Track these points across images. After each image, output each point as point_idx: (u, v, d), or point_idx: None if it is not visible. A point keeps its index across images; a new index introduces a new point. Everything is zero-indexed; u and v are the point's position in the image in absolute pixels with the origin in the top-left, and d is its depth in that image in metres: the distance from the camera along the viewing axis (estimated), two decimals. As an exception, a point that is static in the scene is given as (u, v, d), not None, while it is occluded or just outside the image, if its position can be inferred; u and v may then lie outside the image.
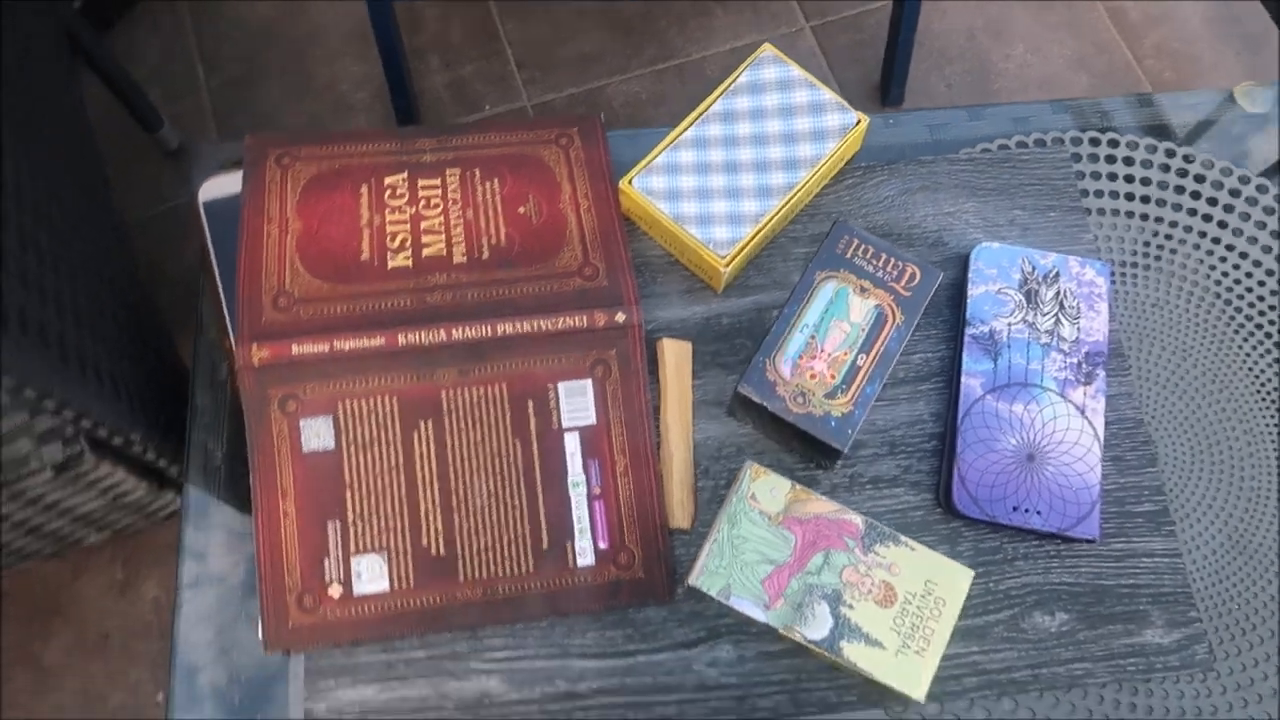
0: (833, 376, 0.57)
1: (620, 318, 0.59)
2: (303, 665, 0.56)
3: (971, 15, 1.38)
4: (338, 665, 0.56)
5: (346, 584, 0.56)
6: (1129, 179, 0.68)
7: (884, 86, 1.31)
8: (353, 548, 0.56)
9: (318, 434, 0.57)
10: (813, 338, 0.58)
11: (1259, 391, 0.63)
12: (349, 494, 0.57)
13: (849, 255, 0.60)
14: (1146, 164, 0.69)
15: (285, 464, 0.56)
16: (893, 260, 0.59)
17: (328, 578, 0.56)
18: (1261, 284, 0.66)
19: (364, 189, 0.63)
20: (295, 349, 0.57)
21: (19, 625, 1.12)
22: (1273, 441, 0.62)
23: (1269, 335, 0.64)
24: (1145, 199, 0.68)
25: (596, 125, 0.67)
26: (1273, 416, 0.63)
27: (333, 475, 0.57)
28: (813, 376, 0.57)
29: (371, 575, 0.56)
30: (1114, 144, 0.69)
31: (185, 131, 1.29)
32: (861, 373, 0.57)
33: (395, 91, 1.24)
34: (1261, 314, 0.65)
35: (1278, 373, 0.64)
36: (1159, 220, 0.67)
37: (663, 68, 1.34)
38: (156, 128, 1.21)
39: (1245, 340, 0.64)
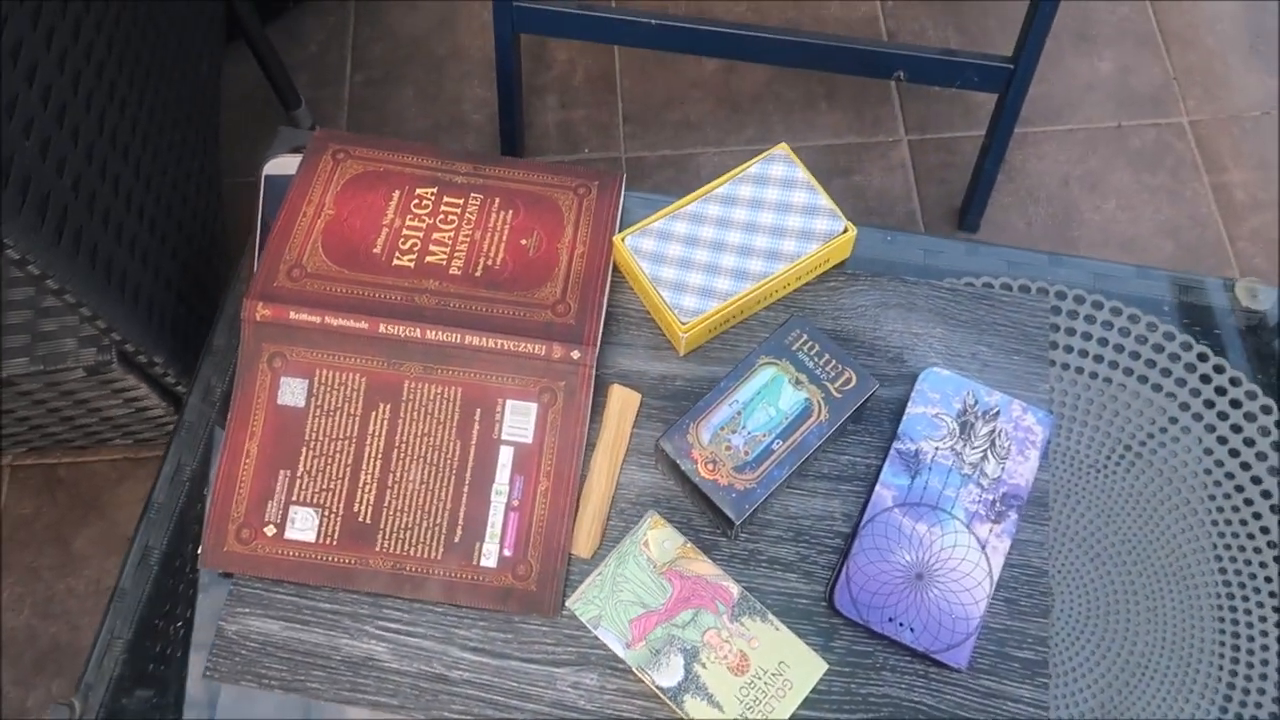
0: (746, 453, 0.61)
1: (575, 354, 0.64)
2: (227, 590, 0.63)
3: (1071, 163, 1.40)
4: (257, 596, 0.63)
5: (281, 527, 0.63)
6: (1102, 342, 0.70)
7: (963, 211, 1.34)
8: (294, 497, 0.63)
9: (293, 392, 0.64)
10: (739, 414, 0.62)
11: (1174, 574, 0.63)
12: (304, 450, 0.64)
13: (795, 348, 0.64)
14: (1124, 332, 0.70)
15: (260, 410, 0.64)
16: (834, 361, 0.63)
17: (266, 518, 0.63)
18: (1208, 472, 0.66)
19: (396, 194, 0.71)
20: (293, 315, 0.64)
21: (63, 510, 1.25)
22: (1168, 621, 0.62)
23: (1203, 526, 0.65)
24: (1113, 364, 0.69)
25: (616, 183, 0.73)
26: (1176, 597, 0.63)
27: (295, 430, 0.64)
28: (728, 449, 0.61)
29: (304, 525, 0.63)
30: (1097, 306, 0.71)
31: (318, 116, 1.43)
32: (774, 456, 0.61)
33: (505, 119, 1.34)
34: (1202, 504, 0.65)
35: (1197, 560, 0.64)
36: (1121, 387, 0.69)
37: (757, 148, 1.40)
38: (294, 107, 1.35)
39: (1175, 523, 0.65)
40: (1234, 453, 0.67)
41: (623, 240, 0.69)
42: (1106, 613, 0.63)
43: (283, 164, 0.74)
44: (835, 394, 0.62)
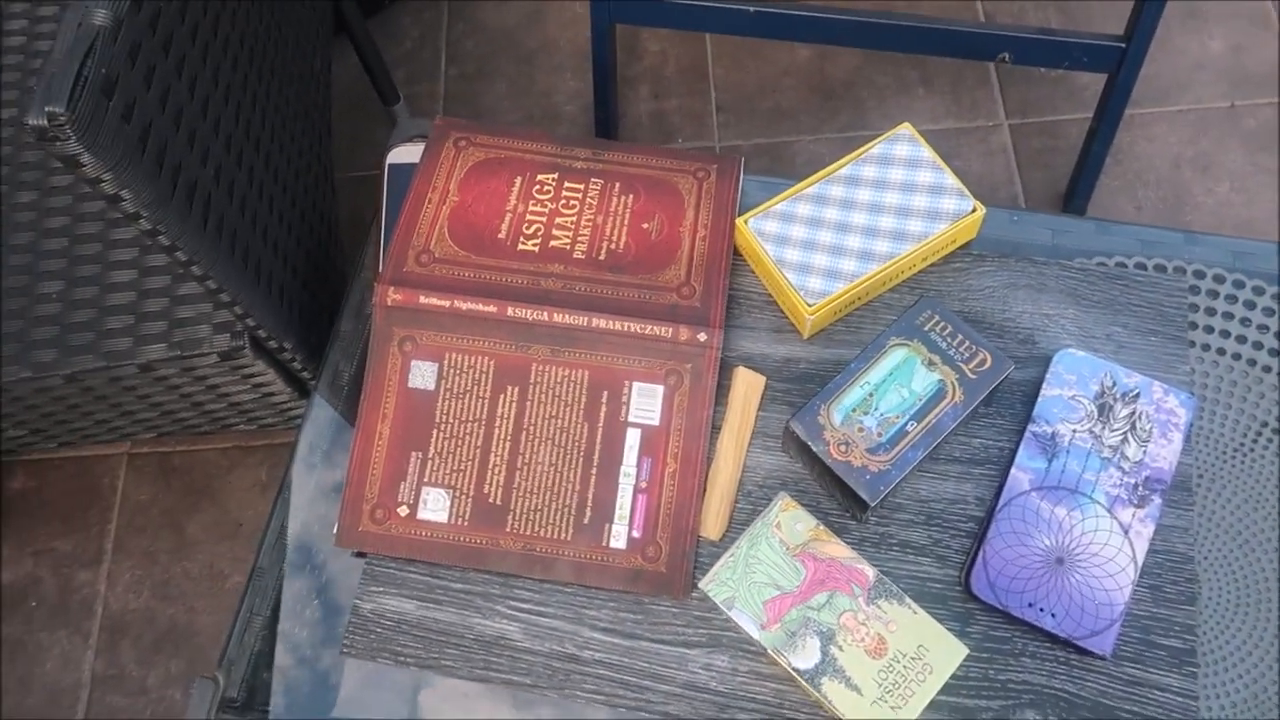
0: (880, 434, 0.60)
1: (701, 337, 0.64)
2: (362, 569, 0.65)
3: (1182, 144, 1.35)
4: (390, 575, 0.64)
5: (414, 508, 0.64)
6: (1245, 322, 0.67)
7: (1069, 195, 1.30)
8: (426, 478, 0.64)
9: (423, 375, 0.66)
10: (871, 395, 0.61)
11: (1330, 563, 0.61)
12: (435, 432, 0.65)
13: (926, 328, 0.63)
14: (1268, 311, 0.67)
15: (391, 394, 0.65)
16: (967, 342, 0.62)
17: (400, 498, 0.64)
18: (1364, 457, 0.63)
19: (518, 180, 0.71)
20: (422, 299, 0.66)
21: (177, 496, 1.30)
22: (1331, 616, 0.60)
23: (1358, 510, 0.62)
24: (1258, 345, 0.67)
25: (735, 166, 0.73)
26: (1336, 590, 0.60)
27: (426, 413, 0.65)
28: (861, 430, 0.60)
29: (436, 506, 0.64)
30: (1239, 285, 0.68)
31: (414, 110, 1.46)
32: (908, 438, 0.60)
33: (600, 109, 1.35)
34: (1355, 487, 0.63)
35: (1356, 549, 0.61)
36: (1265, 369, 0.66)
37: (852, 135, 1.38)
38: (393, 102, 1.38)
39: (1330, 509, 0.62)
40: (1392, 437, 0.64)
41: (745, 223, 0.68)
42: (1256, 601, 0.60)
43: (405, 152, 0.75)
44: (970, 375, 0.61)
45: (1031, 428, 0.63)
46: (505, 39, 1.52)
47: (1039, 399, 0.64)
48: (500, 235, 0.69)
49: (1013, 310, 0.68)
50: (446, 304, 0.66)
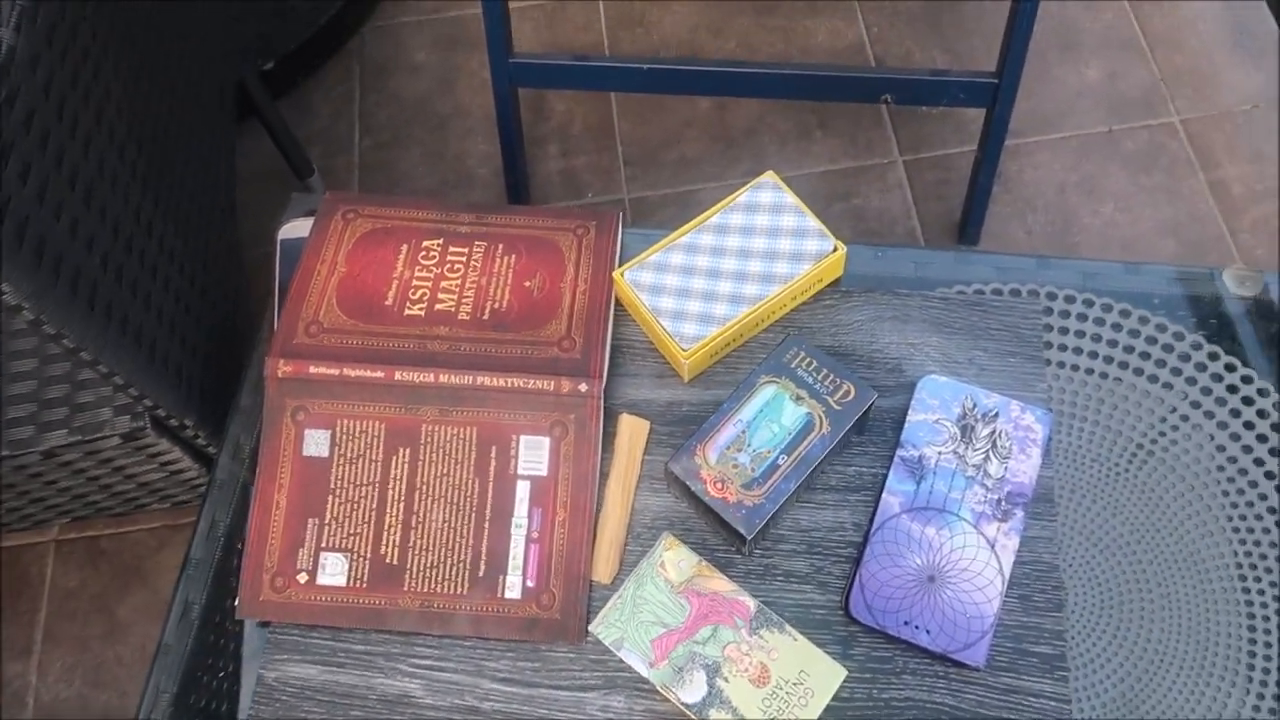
0: (753, 469, 0.63)
1: (583, 387, 0.67)
2: (266, 638, 0.66)
3: (1066, 170, 1.41)
4: (294, 642, 0.65)
5: (313, 574, 0.65)
6: (1096, 339, 0.71)
7: (962, 226, 1.36)
8: (324, 544, 0.66)
9: (317, 443, 0.67)
10: (743, 432, 0.64)
11: (1186, 560, 0.64)
12: (330, 498, 0.66)
13: (793, 365, 0.66)
14: (1117, 328, 0.72)
15: (287, 463, 0.67)
16: (832, 376, 0.65)
17: (299, 565, 0.65)
18: (1212, 458, 0.67)
19: (404, 248, 0.74)
20: (312, 369, 0.67)
21: (107, 580, 1.28)
22: (1184, 608, 0.63)
23: (1207, 507, 0.66)
24: (1108, 359, 0.71)
25: (614, 221, 0.76)
26: (1191, 583, 0.64)
27: (321, 480, 0.67)
28: (735, 467, 0.63)
29: (334, 570, 0.65)
30: (1088, 304, 0.72)
31: (331, 183, 1.48)
32: (780, 471, 0.62)
33: (509, 171, 1.38)
34: (1208, 490, 0.66)
35: (1209, 545, 0.65)
36: (1118, 381, 0.70)
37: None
38: (307, 176, 1.40)
39: (1183, 509, 0.66)
40: (1235, 436, 0.68)
41: (622, 275, 0.71)
42: (1121, 604, 0.63)
43: (296, 227, 0.78)
44: (835, 406, 0.64)
45: (900, 452, 0.66)
46: (417, 107, 1.55)
47: (905, 425, 0.67)
48: (387, 302, 0.71)
49: (880, 342, 0.72)
50: (336, 372, 0.67)
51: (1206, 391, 0.69)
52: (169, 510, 1.24)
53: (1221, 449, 0.68)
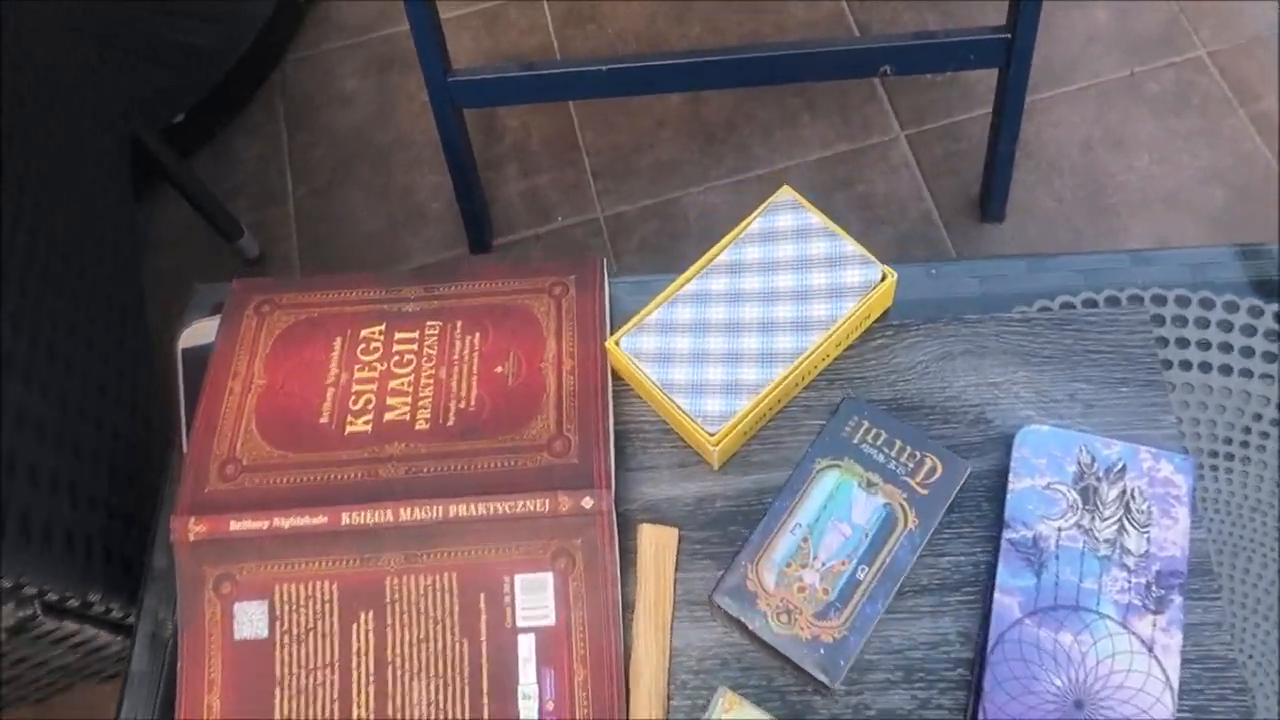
0: (826, 592, 0.48)
1: (588, 503, 0.52)
2: None
3: (1088, 124, 1.27)
4: None
5: (267, 793, 0.50)
6: (1225, 348, 0.57)
7: (983, 201, 1.21)
8: (276, 752, 0.51)
9: (251, 620, 0.52)
10: (805, 541, 0.49)
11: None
12: (278, 691, 0.51)
13: (856, 440, 0.51)
14: (1248, 330, 0.57)
15: (215, 652, 0.52)
16: (908, 448, 0.51)
17: (247, 785, 0.50)
18: (1401, 488, 0.53)
19: (337, 342, 0.59)
20: (234, 524, 0.52)
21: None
22: None
23: None
24: (1246, 373, 0.56)
25: (595, 272, 0.61)
26: None
27: (263, 669, 0.51)
28: (802, 590, 0.48)
29: (295, 784, 0.50)
30: (1207, 304, 0.58)
31: (266, 239, 1.32)
32: (861, 589, 0.48)
33: (464, 202, 1.23)
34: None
35: None
36: (1264, 400, 0.56)
37: (743, 178, 1.28)
38: (236, 238, 1.25)
39: (1377, 560, 0.52)
40: None
41: (617, 344, 0.57)
42: (1322, 697, 0.49)
43: (201, 331, 0.63)
44: (920, 490, 0.50)
45: (1007, 534, 0.51)
46: (354, 141, 1.40)
47: (1008, 494, 0.52)
48: (322, 419, 0.56)
49: (954, 386, 0.57)
50: (265, 525, 0.52)
51: (1378, 400, 0.55)
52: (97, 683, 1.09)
53: None
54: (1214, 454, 0.55)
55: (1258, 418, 0.55)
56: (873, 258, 0.57)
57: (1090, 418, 0.56)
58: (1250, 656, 0.50)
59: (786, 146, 1.30)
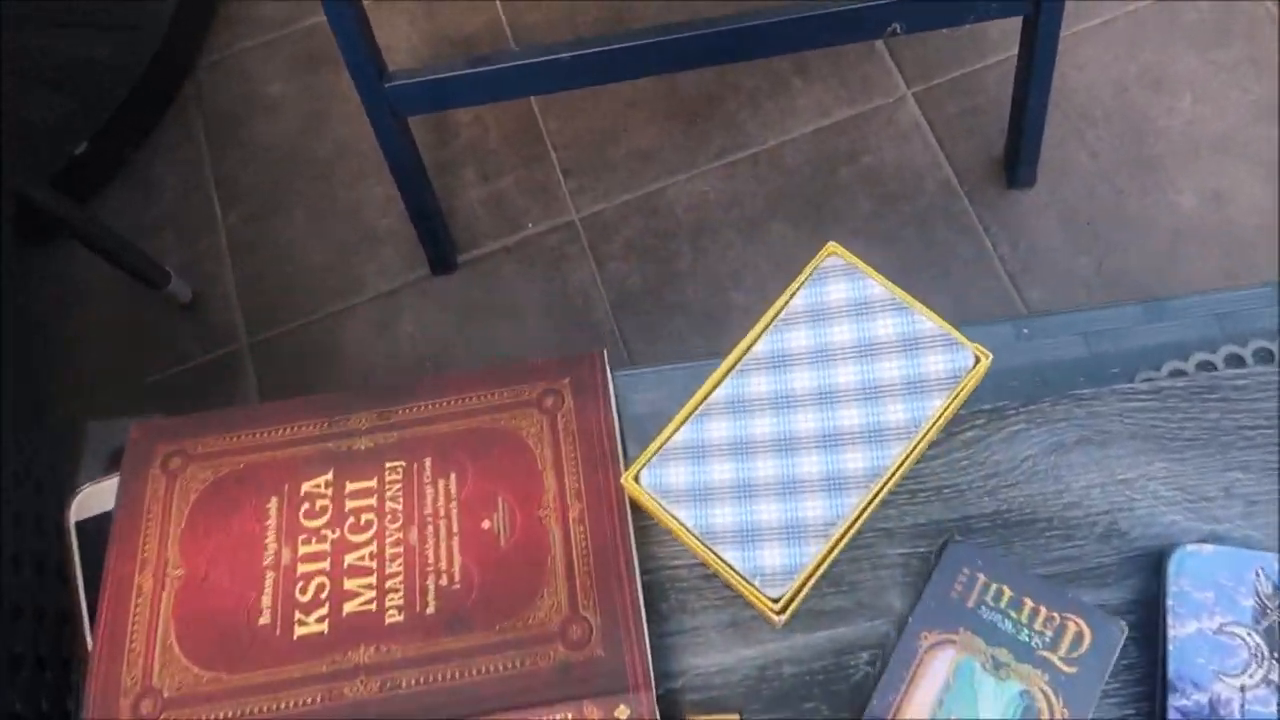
0: (958, 825, 0.36)
1: (623, 713, 0.40)
2: None
3: (1121, 63, 1.14)
4: None
5: None
6: None
7: (1009, 163, 1.08)
8: None
9: None
10: (922, 754, 0.37)
11: None
12: None
13: (972, 602, 0.39)
14: None
15: None
16: (1043, 610, 0.39)
17: None
18: None
19: (273, 504, 0.46)
20: (158, 787, 0.40)
21: None
22: None
23: None
24: None
25: (596, 370, 0.48)
26: None
27: None
28: (925, 825, 0.36)
29: None
30: (1385, 351, 0.46)
31: (200, 277, 1.18)
32: (1005, 818, 0.36)
33: (419, 218, 1.09)
34: None
35: None
36: None
37: (734, 159, 1.14)
38: (163, 285, 1.10)
39: None
40: None
41: (637, 479, 0.44)
42: None
43: (96, 497, 0.49)
44: (1065, 669, 0.38)
45: (1176, 702, 0.40)
46: (288, 157, 1.25)
47: (1168, 647, 0.40)
48: (263, 620, 0.43)
49: (1073, 488, 0.45)
50: (199, 782, 0.40)
51: None
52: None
53: None
54: None
55: None
56: (959, 335, 0.44)
57: (1253, 518, 0.44)
58: None
59: (779, 119, 1.16)
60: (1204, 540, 0.44)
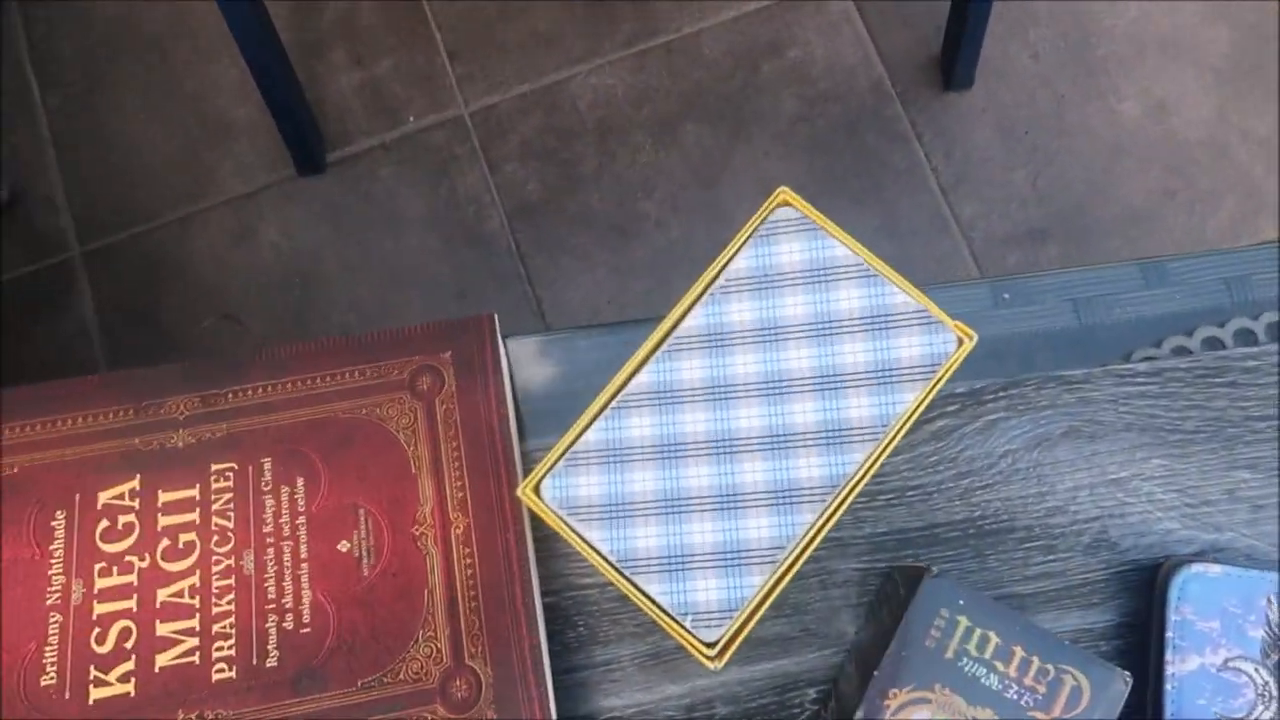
0: None
1: (521, 795, 0.33)
2: None
3: (1063, -48, 1.05)
4: None
5: None
6: None
7: (946, 62, 1.00)
8: None
9: None
10: (889, 842, 0.31)
11: None
12: None
13: (950, 653, 0.32)
14: None
15: None
16: (1035, 661, 0.32)
17: None
18: None
19: (60, 520, 0.36)
20: None
21: None
22: None
23: None
24: None
25: (485, 339, 0.39)
26: None
27: None
28: None
29: None
30: None
31: (21, 174, 1.01)
32: None
33: (279, 110, 0.95)
34: None
35: None
36: None
37: (645, 48, 1.03)
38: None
39: None
40: None
41: (534, 492, 0.35)
42: None
43: None
44: (1060, 732, 0.32)
45: (1175, 751, 0.34)
46: (117, 28, 1.07)
47: (1166, 686, 0.35)
48: (46, 680, 0.34)
49: (1058, 489, 0.39)
50: None
51: None
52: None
53: None
54: None
55: None
56: (939, 311, 0.36)
57: (1258, 526, 0.38)
58: None
59: (697, 5, 1.04)
60: (1202, 551, 0.38)
